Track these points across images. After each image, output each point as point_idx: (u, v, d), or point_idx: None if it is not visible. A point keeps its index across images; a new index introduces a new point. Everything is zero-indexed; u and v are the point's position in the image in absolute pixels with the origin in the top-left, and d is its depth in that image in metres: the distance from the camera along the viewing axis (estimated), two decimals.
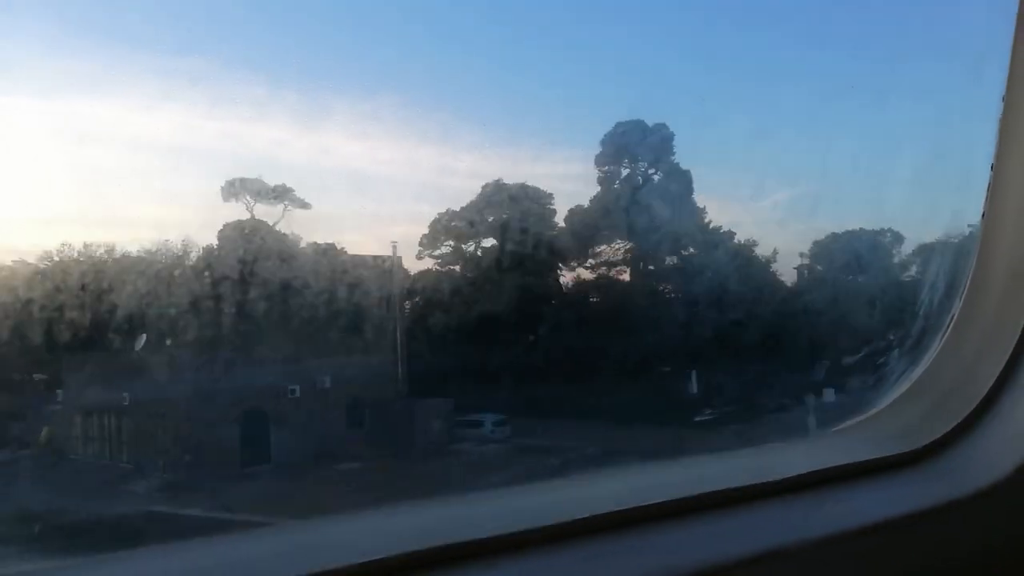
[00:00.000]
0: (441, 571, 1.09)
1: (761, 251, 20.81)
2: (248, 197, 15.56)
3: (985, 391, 1.64)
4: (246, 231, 15.17)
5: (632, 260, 20.75)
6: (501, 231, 19.23)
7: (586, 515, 1.22)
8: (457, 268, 20.18)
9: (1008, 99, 1.63)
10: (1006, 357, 1.65)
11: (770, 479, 1.41)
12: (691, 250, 20.51)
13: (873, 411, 1.80)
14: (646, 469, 1.50)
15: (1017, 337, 1.64)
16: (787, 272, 21.19)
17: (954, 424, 1.63)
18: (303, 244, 15.94)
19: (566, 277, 21.46)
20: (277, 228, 15.71)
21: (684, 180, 20.52)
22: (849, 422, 1.79)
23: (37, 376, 13.91)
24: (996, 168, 1.67)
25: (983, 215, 1.71)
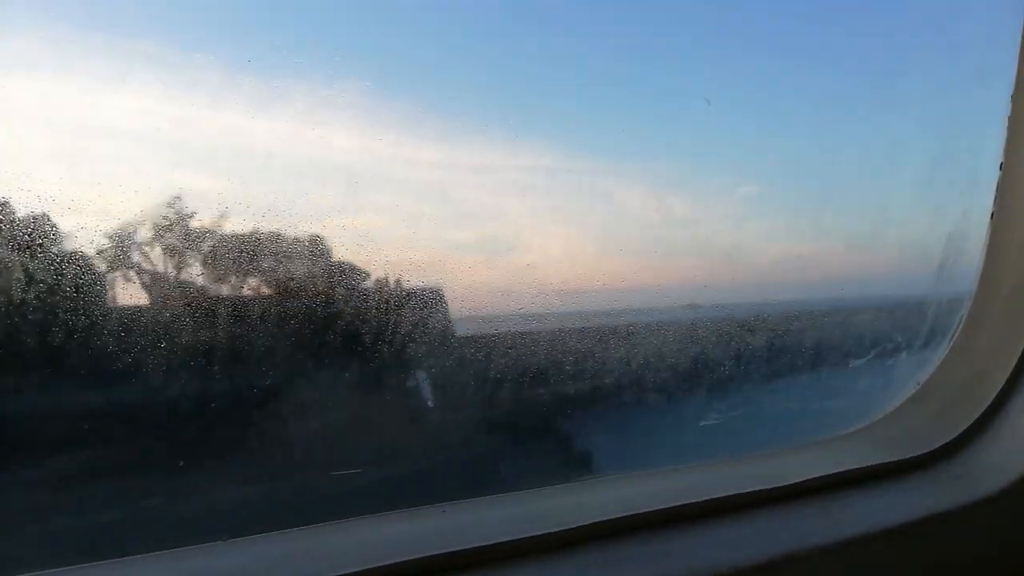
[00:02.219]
0: None
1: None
2: None
3: (995, 394, 1.62)
4: None
5: None
6: None
7: (594, 520, 1.20)
8: None
9: (1016, 98, 1.61)
10: (1014, 360, 1.63)
11: (778, 484, 1.38)
12: None
13: (881, 415, 1.78)
14: (655, 475, 1.47)
15: None
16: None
17: (964, 428, 1.61)
18: None
19: None
20: None
21: None
22: (857, 426, 1.77)
23: None
24: (1005, 167, 1.65)
25: (992, 215, 1.69)
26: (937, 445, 1.58)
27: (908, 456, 1.56)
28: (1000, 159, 1.66)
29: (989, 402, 1.62)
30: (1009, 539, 1.49)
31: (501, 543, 1.13)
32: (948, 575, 1.43)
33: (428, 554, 1.07)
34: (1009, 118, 1.63)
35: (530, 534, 1.15)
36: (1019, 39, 1.59)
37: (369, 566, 1.04)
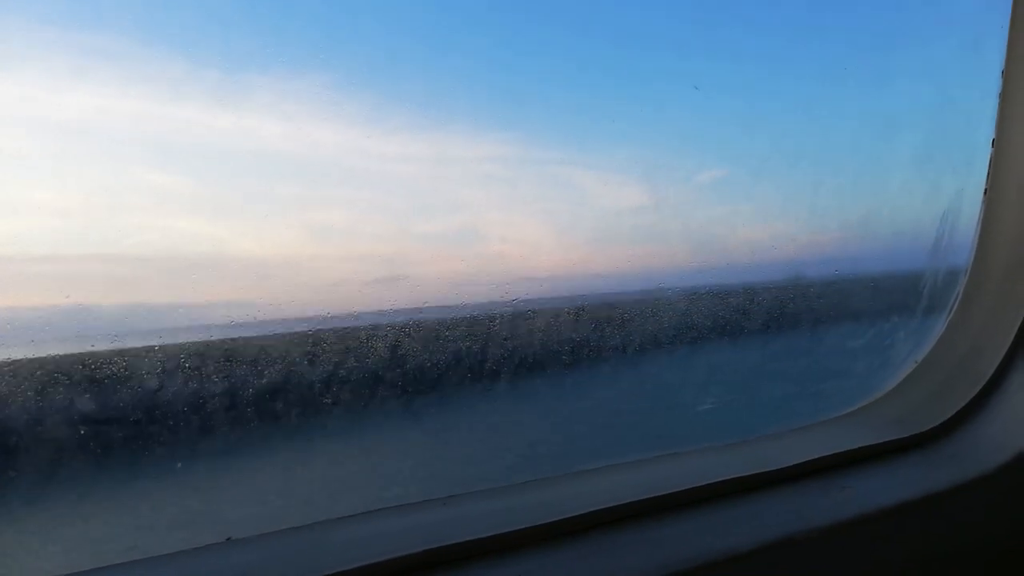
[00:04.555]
0: (437, 574, 1.06)
1: None
2: None
3: (990, 373, 1.62)
4: None
5: None
6: None
7: (595, 508, 1.20)
8: None
9: (1007, 73, 1.60)
10: (1010, 338, 1.63)
11: (776, 467, 1.38)
12: None
13: (877, 395, 1.78)
14: (654, 462, 1.46)
15: (1022, 318, 1.62)
16: None
17: (959, 407, 1.61)
18: None
19: None
20: None
21: None
22: (853, 407, 1.77)
23: None
24: (997, 144, 1.64)
25: (985, 192, 1.68)
26: (934, 424, 1.58)
27: (904, 436, 1.56)
28: (992, 135, 1.65)
29: (985, 381, 1.62)
30: (1007, 517, 1.49)
31: (503, 533, 1.12)
32: (947, 553, 1.43)
33: (432, 547, 1.07)
34: (1000, 94, 1.62)
35: (531, 524, 1.14)
36: (1008, 14, 1.58)
37: (374, 560, 1.03)
